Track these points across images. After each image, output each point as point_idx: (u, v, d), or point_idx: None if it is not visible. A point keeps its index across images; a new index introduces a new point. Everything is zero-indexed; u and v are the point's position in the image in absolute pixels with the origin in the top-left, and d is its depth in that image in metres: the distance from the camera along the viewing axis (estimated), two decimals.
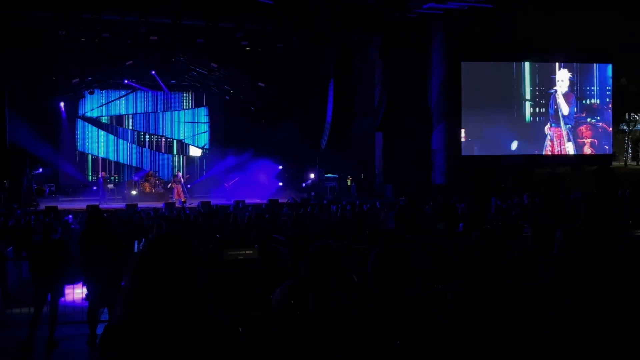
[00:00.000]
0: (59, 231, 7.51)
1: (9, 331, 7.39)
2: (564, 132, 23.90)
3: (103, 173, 23.64)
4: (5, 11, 17.93)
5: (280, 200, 19.03)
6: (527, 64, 23.73)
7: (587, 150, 24.07)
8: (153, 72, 24.54)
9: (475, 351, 3.15)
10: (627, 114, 36.76)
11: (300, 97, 24.08)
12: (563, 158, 24.16)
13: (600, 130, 24.21)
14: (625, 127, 38.02)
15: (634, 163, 38.71)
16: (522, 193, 17.09)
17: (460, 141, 22.96)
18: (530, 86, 23.76)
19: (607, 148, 24.33)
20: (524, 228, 9.73)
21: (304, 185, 24.32)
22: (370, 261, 3.30)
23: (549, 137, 23.74)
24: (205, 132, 28.67)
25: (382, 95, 22.21)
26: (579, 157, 24.18)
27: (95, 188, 23.14)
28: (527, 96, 23.70)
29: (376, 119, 22.79)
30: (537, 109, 23.85)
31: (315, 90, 23.58)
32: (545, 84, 23.90)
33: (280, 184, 24.67)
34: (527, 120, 23.81)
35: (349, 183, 23.69)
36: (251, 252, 7.54)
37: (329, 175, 23.32)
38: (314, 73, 23.22)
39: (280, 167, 25.15)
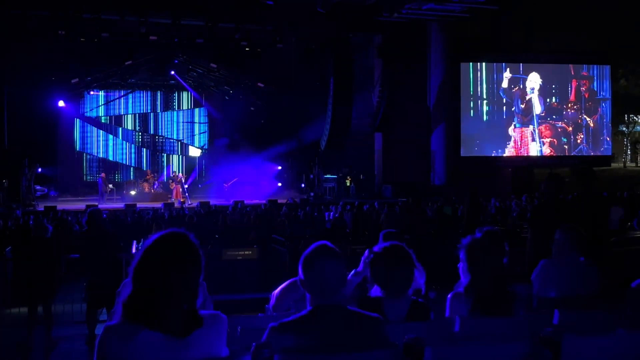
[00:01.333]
0: (49, 230, 7.48)
1: (8, 331, 7.38)
2: (531, 132, 23.73)
3: (103, 174, 23.63)
4: (5, 11, 17.92)
5: (279, 201, 19.02)
6: (484, 65, 23.44)
7: (546, 150, 23.93)
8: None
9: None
10: (625, 116, 36.75)
11: (299, 98, 24.08)
12: (561, 159, 24.13)
13: (560, 130, 24.08)
14: (624, 129, 38.01)
15: (633, 164, 38.71)
16: (521, 194, 17.13)
17: (459, 142, 22.95)
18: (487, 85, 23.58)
19: (567, 148, 24.19)
20: (523, 229, 9.75)
21: (303, 185, 24.32)
22: (372, 259, 3.31)
23: (512, 138, 23.60)
24: (205, 132, 28.68)
25: (382, 96, 22.20)
26: (578, 159, 24.15)
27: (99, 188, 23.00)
28: (484, 95, 23.50)
29: (375, 120, 22.79)
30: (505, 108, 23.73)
31: (314, 91, 23.58)
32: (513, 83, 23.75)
33: (280, 184, 24.66)
34: (484, 119, 23.62)
35: (348, 183, 23.67)
36: (250, 252, 7.53)
37: (328, 175, 23.31)
38: (313, 73, 23.21)
39: (280, 167, 25.15)
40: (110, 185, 22.78)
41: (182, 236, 2.20)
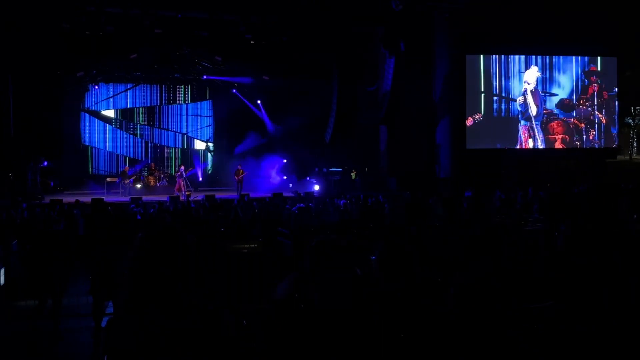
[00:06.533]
0: (62, 223, 7.53)
1: (15, 323, 7.43)
2: (532, 128, 23.68)
3: (126, 167, 23.68)
4: (11, 4, 17.94)
5: (284, 194, 19.03)
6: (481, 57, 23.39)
7: (558, 145, 23.88)
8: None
9: (476, 344, 3.15)
10: (632, 108, 36.56)
11: (305, 90, 24.01)
12: (568, 152, 24.04)
13: (571, 126, 24.02)
14: (630, 121, 37.83)
15: (639, 157, 38.55)
16: (527, 187, 17.07)
17: (464, 134, 22.89)
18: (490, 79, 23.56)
19: (579, 144, 24.11)
20: (528, 221, 9.73)
21: (308, 178, 24.31)
22: (375, 257, 3.31)
23: (518, 131, 23.57)
24: (210, 125, 28.67)
25: (386, 88, 22.13)
26: (584, 151, 24.07)
27: (117, 181, 22.93)
28: (490, 88, 23.46)
29: (380, 112, 22.73)
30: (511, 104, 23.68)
31: (319, 83, 23.51)
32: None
33: (285, 177, 24.66)
34: (489, 112, 23.58)
35: (353, 176, 23.65)
36: (255, 245, 7.53)
37: (334, 168, 23.29)
38: (318, 66, 23.13)
39: (285, 160, 25.14)
40: (128, 179, 22.81)
41: (168, 230, 2.26)
